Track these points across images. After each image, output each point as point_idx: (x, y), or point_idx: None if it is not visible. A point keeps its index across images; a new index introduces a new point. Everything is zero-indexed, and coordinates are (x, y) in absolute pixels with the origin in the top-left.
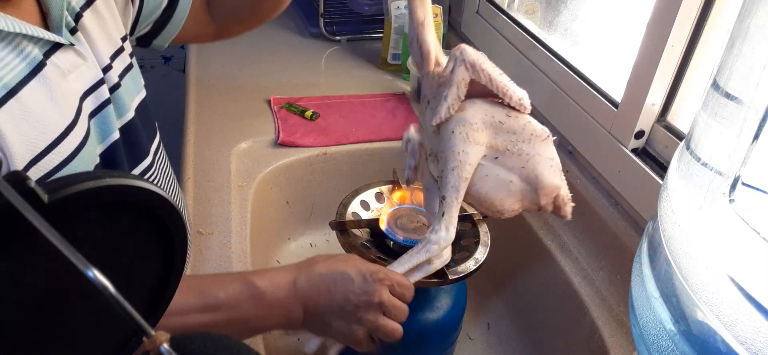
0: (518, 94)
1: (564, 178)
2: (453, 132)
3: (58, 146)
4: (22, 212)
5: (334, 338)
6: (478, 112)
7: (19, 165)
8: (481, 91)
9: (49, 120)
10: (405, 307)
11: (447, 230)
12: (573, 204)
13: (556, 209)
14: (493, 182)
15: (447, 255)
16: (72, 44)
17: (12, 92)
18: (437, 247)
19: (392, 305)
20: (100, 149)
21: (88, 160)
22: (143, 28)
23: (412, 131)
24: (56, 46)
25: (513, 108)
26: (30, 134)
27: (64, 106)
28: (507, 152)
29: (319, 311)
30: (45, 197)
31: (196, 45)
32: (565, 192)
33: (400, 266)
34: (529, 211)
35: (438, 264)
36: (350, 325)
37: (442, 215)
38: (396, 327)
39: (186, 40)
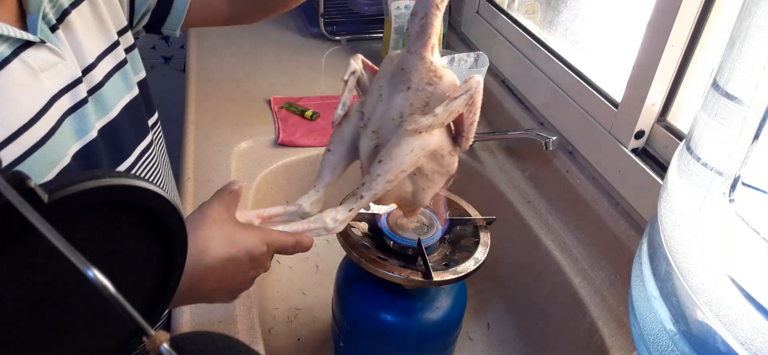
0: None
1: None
2: (413, 150)
3: (14, 142)
4: (22, 212)
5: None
6: (441, 143)
7: None
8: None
9: (3, 116)
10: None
11: (346, 217)
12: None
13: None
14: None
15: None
16: (43, 42)
17: None
18: (326, 231)
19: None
20: (75, 148)
21: (52, 158)
22: (143, 18)
23: (361, 65)
24: (29, 44)
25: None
26: None
27: (25, 103)
28: (424, 176)
29: (200, 296)
30: (45, 197)
31: (196, 44)
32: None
33: (288, 227)
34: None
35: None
36: (232, 294)
37: (353, 202)
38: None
39: (197, 24)
